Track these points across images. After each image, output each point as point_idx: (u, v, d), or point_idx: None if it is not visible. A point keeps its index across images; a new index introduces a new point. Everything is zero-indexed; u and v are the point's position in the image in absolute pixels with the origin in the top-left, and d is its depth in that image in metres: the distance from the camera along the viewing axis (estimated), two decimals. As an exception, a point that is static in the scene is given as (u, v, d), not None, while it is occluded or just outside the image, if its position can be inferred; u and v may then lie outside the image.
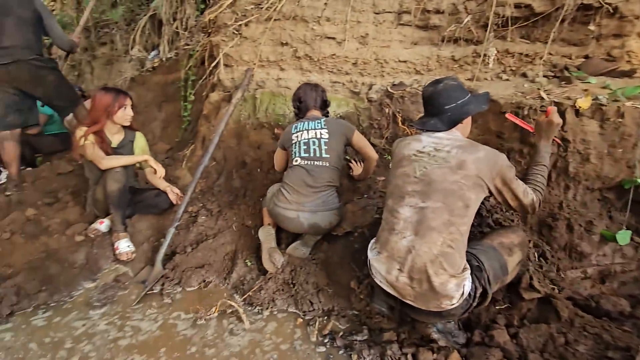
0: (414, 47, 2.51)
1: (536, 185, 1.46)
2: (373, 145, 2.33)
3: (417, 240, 1.31)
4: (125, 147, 2.38)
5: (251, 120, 2.71)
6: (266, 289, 1.82)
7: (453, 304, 1.28)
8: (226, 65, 2.76)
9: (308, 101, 2.10)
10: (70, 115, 4.12)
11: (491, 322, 1.53)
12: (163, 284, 1.96)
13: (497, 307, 1.57)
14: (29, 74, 2.76)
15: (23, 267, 2.04)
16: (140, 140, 2.45)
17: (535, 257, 1.71)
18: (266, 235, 1.97)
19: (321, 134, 1.94)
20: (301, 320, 1.71)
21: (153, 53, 4.52)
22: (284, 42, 2.54)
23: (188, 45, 4.24)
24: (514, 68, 2.37)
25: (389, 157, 2.42)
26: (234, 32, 2.64)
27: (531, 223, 1.89)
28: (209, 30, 3.25)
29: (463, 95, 1.47)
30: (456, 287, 1.27)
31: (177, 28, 4.57)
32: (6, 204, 2.59)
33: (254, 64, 2.67)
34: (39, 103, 3.19)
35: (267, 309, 1.78)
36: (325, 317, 1.71)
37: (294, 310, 1.77)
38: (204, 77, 3.51)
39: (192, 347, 1.58)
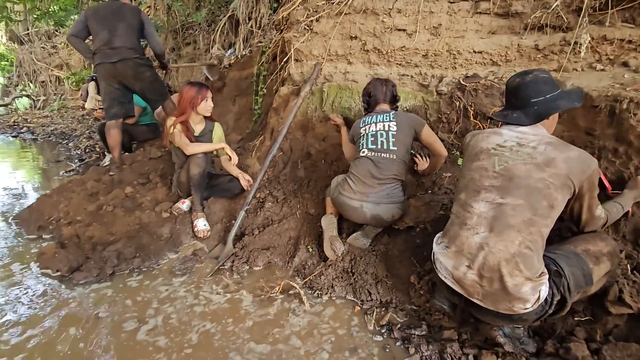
0: (491, 36, 2.35)
1: (610, 210, 1.39)
2: (441, 139, 2.26)
3: (492, 237, 1.26)
4: (206, 136, 2.63)
5: (317, 113, 2.80)
6: (326, 275, 1.89)
7: (526, 308, 1.21)
8: (296, 60, 2.88)
9: (377, 95, 2.11)
10: (160, 108, 4.67)
11: (568, 334, 1.41)
12: (233, 261, 2.15)
13: (576, 319, 1.43)
14: (131, 71, 3.22)
15: (122, 236, 2.39)
16: (218, 130, 2.69)
17: (627, 269, 1.51)
18: (328, 224, 2.04)
19: (389, 126, 1.94)
20: (359, 308, 1.75)
21: (229, 51, 4.87)
22: (353, 35, 2.57)
23: (261, 42, 4.50)
24: (611, 56, 2.09)
25: (457, 153, 2.32)
26: (305, 28, 2.74)
27: (625, 231, 1.67)
28: (282, 27, 3.42)
29: (553, 90, 1.36)
30: (532, 291, 1.19)
31: (251, 27, 4.88)
32: (110, 182, 3.04)
33: (323, 58, 2.74)
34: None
35: (326, 294, 1.85)
36: (383, 309, 1.73)
37: (352, 298, 1.81)
38: (275, 72, 3.71)
39: (256, 321, 1.70)
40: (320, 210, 2.33)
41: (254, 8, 4.85)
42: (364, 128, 2.02)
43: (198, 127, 2.61)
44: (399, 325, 1.62)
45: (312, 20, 2.71)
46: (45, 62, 12.11)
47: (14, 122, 8.58)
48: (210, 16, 5.60)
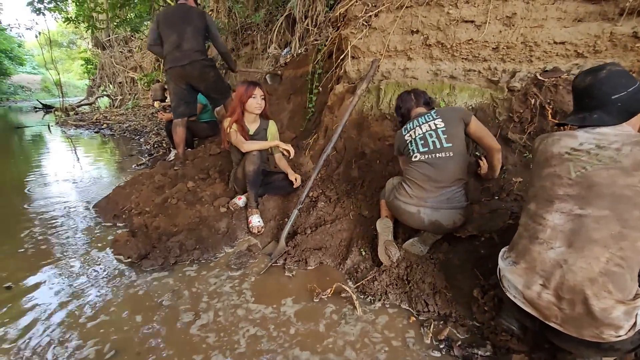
0: (577, 24, 2.07)
1: None
2: (511, 141, 2.06)
3: (571, 254, 1.10)
4: (260, 134, 2.69)
5: (374, 111, 2.71)
6: (379, 281, 1.82)
7: (619, 336, 1.03)
8: (352, 57, 2.82)
9: (408, 104, 2.05)
10: (220, 107, 4.91)
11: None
12: (285, 259, 2.16)
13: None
14: (198, 72, 3.42)
15: (184, 228, 2.54)
16: (272, 128, 2.73)
17: None
18: (383, 228, 1.96)
19: (436, 124, 1.82)
20: (414, 319, 1.65)
21: (285, 50, 4.95)
22: (414, 29, 2.44)
23: (316, 40, 4.50)
24: None
25: (530, 156, 2.09)
26: (363, 24, 2.66)
27: None
28: (338, 24, 3.37)
29: (632, 83, 1.17)
30: (625, 316, 1.02)
31: (307, 25, 4.91)
32: (175, 177, 3.25)
33: (381, 54, 2.65)
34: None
35: (379, 300, 1.77)
36: (442, 322, 1.61)
37: (407, 308, 1.72)
38: (330, 70, 3.68)
39: (307, 326, 1.64)
40: (375, 212, 2.26)
41: (310, 6, 4.87)
42: (408, 134, 1.92)
43: (253, 126, 2.67)
44: (459, 342, 1.50)
45: (370, 16, 2.63)
46: (122, 65, 13.42)
47: (96, 119, 9.65)
48: (268, 16, 5.74)
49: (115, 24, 6.85)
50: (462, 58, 2.32)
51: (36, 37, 13.06)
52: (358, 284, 1.87)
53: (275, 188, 2.72)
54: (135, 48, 13.30)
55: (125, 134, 7.56)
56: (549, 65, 2.09)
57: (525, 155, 2.08)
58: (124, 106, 12.11)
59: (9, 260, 2.26)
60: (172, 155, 4.73)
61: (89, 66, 16.00)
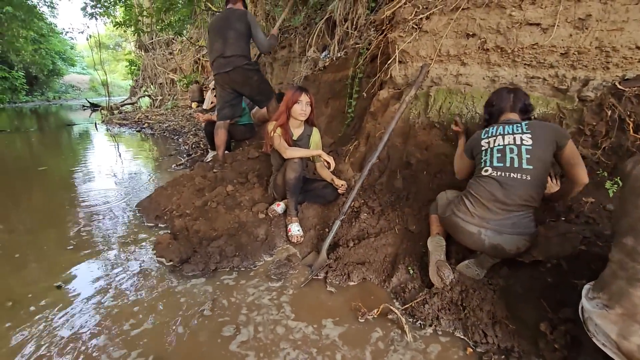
0: (665, 26, 1.83)
1: None
2: (582, 156, 1.85)
3: None
4: (303, 140, 2.63)
5: (421, 119, 2.57)
6: (431, 304, 1.69)
7: None
8: (400, 62, 2.69)
9: (503, 103, 1.80)
10: (256, 108, 4.94)
11: None
12: (327, 273, 2.08)
13: None
14: (241, 77, 3.45)
15: (223, 233, 2.52)
16: (315, 135, 2.66)
17: None
18: (435, 246, 1.83)
19: (522, 139, 1.62)
20: (471, 350, 1.51)
21: (324, 53, 4.89)
22: (470, 33, 2.28)
23: (357, 44, 4.40)
24: None
25: (604, 174, 1.88)
26: (413, 27, 2.53)
27: None
28: (383, 27, 3.25)
29: None
30: None
31: (347, 28, 4.82)
32: (214, 179, 3.27)
33: (431, 59, 2.50)
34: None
35: (430, 325, 1.64)
36: (503, 356, 1.46)
37: (462, 337, 1.58)
38: (373, 75, 3.57)
39: (352, 352, 1.52)
40: (423, 227, 2.12)
41: (351, 9, 4.78)
42: (487, 141, 1.73)
43: (297, 132, 2.61)
44: (525, 383, 1.34)
45: (421, 19, 2.49)
46: (163, 67, 13.99)
47: (138, 118, 10.10)
48: (306, 19, 5.72)
49: (159, 27, 7.10)
50: (525, 64, 2.13)
51: (87, 39, 13.89)
52: (406, 305, 1.74)
53: (316, 196, 2.65)
54: (176, 50, 13.83)
55: (164, 134, 7.83)
56: (630, 73, 1.86)
57: (598, 172, 1.87)
58: (163, 106, 12.60)
59: (59, 258, 2.34)
60: (209, 157, 4.80)
61: (132, 67, 16.86)
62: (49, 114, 14.95)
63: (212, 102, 9.18)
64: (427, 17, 2.48)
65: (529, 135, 1.61)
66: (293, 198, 2.49)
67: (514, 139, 1.63)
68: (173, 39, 14.62)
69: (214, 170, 3.47)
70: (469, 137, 2.01)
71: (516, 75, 2.16)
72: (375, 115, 2.98)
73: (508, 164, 1.60)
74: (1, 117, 12.94)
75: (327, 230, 2.45)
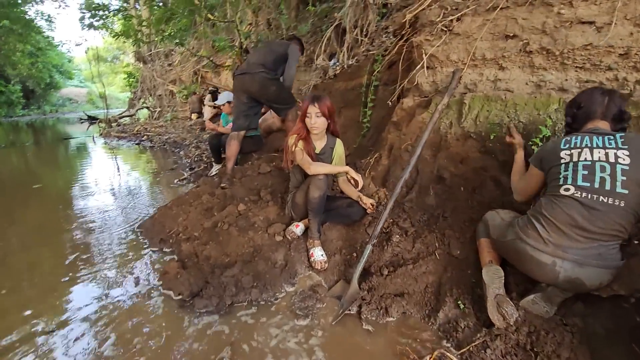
0: None
1: None
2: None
3: None
4: (326, 153, 2.39)
5: (454, 129, 2.34)
6: (493, 349, 1.42)
7: None
8: (427, 67, 2.47)
9: (593, 107, 1.51)
10: (262, 119, 4.73)
11: None
12: (360, 307, 1.82)
13: None
14: (258, 84, 3.31)
15: (237, 259, 2.26)
16: (339, 148, 2.42)
17: None
18: (492, 277, 1.57)
19: (617, 156, 1.34)
20: (553, 409, 1.24)
21: (333, 61, 4.69)
22: (510, 34, 2.06)
23: (369, 50, 4.21)
24: None
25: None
26: (442, 29, 2.32)
27: None
28: (402, 32, 3.05)
29: None
30: None
31: (357, 35, 4.64)
32: (223, 197, 3.01)
33: (463, 63, 2.29)
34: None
35: (495, 375, 1.38)
36: (594, 418, 1.20)
37: (537, 390, 1.31)
38: (391, 82, 3.35)
39: None
40: (469, 252, 1.87)
41: (361, 15, 4.61)
42: (568, 152, 1.46)
43: (319, 144, 2.37)
44: None
45: (451, 20, 2.28)
46: (162, 78, 13.84)
47: (137, 130, 9.86)
48: (312, 27, 5.54)
49: (160, 38, 6.93)
50: (576, 67, 1.91)
51: (85, 52, 13.77)
52: (463, 350, 1.48)
53: (339, 216, 2.40)
54: (175, 62, 13.71)
55: (164, 146, 7.59)
56: (703, 75, 1.65)
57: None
58: (162, 118, 12.40)
59: (53, 292, 2.07)
60: (214, 171, 4.56)
61: (130, 79, 16.72)
62: (45, 128, 14.72)
63: (211, 113, 9.00)
64: (458, 19, 2.27)
65: (626, 152, 1.33)
66: (316, 219, 2.24)
67: (607, 154, 1.37)
68: (172, 50, 14.53)
69: (222, 185, 3.22)
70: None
71: (566, 79, 1.94)
72: (398, 125, 2.75)
73: (597, 185, 1.34)
74: (-4, 132, 12.69)
75: (354, 255, 2.19)
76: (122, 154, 7.24)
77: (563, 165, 1.45)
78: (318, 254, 2.20)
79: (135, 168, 5.67)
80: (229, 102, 4.30)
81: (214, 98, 9.27)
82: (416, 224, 2.22)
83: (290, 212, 2.52)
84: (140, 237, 2.80)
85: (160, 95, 13.96)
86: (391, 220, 2.33)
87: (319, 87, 4.56)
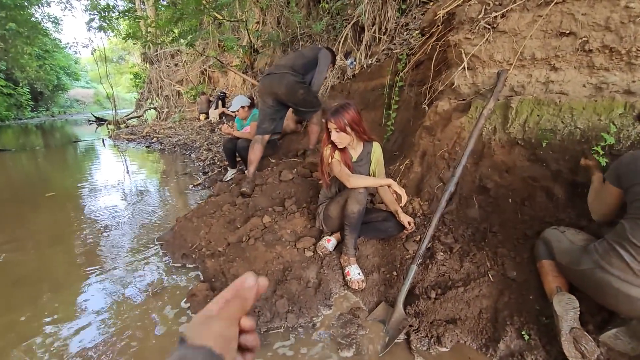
0: None
1: None
2: None
3: None
4: (364, 160, 2.22)
5: (498, 135, 2.16)
6: (572, 391, 1.26)
7: None
8: (466, 68, 2.29)
9: None
10: (287, 123, 4.58)
11: None
12: (408, 335, 1.66)
13: None
14: (285, 86, 3.17)
15: (268, 278, 2.11)
16: (377, 150, 2.25)
17: None
18: (566, 308, 1.40)
19: None
20: None
21: (349, 60, 4.51)
22: (566, 31, 1.87)
23: (390, 49, 4.02)
24: None
25: None
26: (485, 27, 2.13)
27: None
28: (432, 30, 2.86)
29: None
30: None
31: (374, 33, 4.45)
32: (245, 208, 2.87)
33: (509, 64, 2.10)
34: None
35: (576, 422, 1.22)
36: None
37: None
38: (418, 83, 3.17)
39: None
40: (529, 275, 1.70)
41: (379, 12, 4.42)
42: None
43: (355, 152, 2.21)
44: None
45: (495, 17, 2.09)
46: (169, 79, 13.76)
47: (147, 132, 9.76)
48: (325, 26, 5.36)
49: (169, 39, 6.80)
50: (646, 67, 1.72)
51: (92, 53, 13.74)
52: (536, 390, 1.32)
53: (375, 230, 2.23)
54: (182, 62, 13.62)
55: (175, 149, 7.47)
56: None
57: None
58: (170, 119, 12.31)
59: (70, 313, 1.94)
60: (228, 175, 4.43)
61: (137, 80, 16.66)
62: (54, 130, 14.72)
63: (220, 114, 8.87)
64: (503, 15, 2.08)
65: None
66: (353, 235, 2.08)
67: None
68: (178, 51, 14.44)
69: (242, 191, 3.08)
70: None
71: (633, 81, 1.75)
72: (432, 130, 2.57)
73: None
74: (7, 135, 12.71)
75: (394, 273, 2.03)
76: (133, 157, 7.15)
77: None
78: (355, 272, 2.05)
79: (148, 172, 5.56)
80: (242, 107, 4.14)
81: (223, 103, 9.13)
82: (460, 239, 2.06)
83: (322, 224, 2.36)
84: (161, 252, 2.67)
85: (167, 95, 13.88)
86: (432, 234, 2.17)
87: (337, 88, 4.39)
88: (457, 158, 2.33)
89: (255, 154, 3.30)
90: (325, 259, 2.21)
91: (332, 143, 2.12)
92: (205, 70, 12.50)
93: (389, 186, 1.98)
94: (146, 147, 8.23)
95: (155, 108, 14.24)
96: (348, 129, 2.01)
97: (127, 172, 5.70)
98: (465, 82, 2.32)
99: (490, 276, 1.76)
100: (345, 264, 2.11)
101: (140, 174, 5.45)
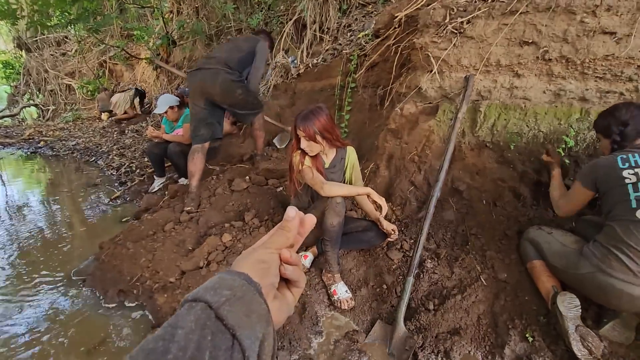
0: None
1: None
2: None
3: None
4: (337, 166, 2.04)
5: (467, 138, 2.22)
6: (587, 389, 1.29)
7: None
8: (432, 72, 2.30)
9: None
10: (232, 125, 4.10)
11: None
12: (415, 353, 1.55)
13: None
14: (220, 85, 2.73)
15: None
16: (352, 155, 2.09)
17: None
18: (569, 307, 1.44)
19: None
20: None
21: (291, 58, 4.29)
22: (528, 40, 1.99)
23: (336, 49, 3.93)
24: None
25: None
26: (452, 32, 2.16)
27: None
28: (388, 32, 2.84)
29: None
30: None
31: (314, 31, 4.31)
32: (195, 225, 2.43)
33: (475, 69, 2.16)
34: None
35: (596, 420, 1.25)
36: None
37: None
38: (373, 84, 3.13)
39: None
40: (520, 276, 1.74)
41: (320, 10, 4.29)
42: (631, 172, 1.40)
43: (327, 158, 2.01)
44: None
45: (462, 22, 2.13)
46: (56, 70, 11.55)
47: (29, 135, 7.94)
48: (261, 19, 5.01)
49: (64, 20, 5.61)
50: (596, 77, 1.92)
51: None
52: (556, 394, 1.32)
53: (356, 241, 2.07)
54: (72, 51, 11.58)
55: (74, 155, 6.21)
56: None
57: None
58: (60, 118, 10.32)
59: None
60: (156, 185, 3.80)
61: (8, 70, 13.53)
62: None
63: (129, 108, 7.73)
64: (469, 21, 2.13)
65: None
66: (335, 249, 1.89)
67: None
68: (65, 38, 12.24)
69: (187, 210, 2.61)
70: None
71: (587, 89, 1.94)
72: (397, 133, 2.53)
73: None
74: None
75: (383, 286, 1.90)
76: (13, 167, 5.70)
77: (631, 186, 1.38)
78: (342, 290, 1.86)
79: (40, 187, 4.45)
80: (171, 108, 3.58)
81: (142, 100, 7.98)
82: (442, 244, 2.04)
83: (295, 240, 2.11)
84: (84, 290, 2.08)
85: (52, 90, 11.60)
86: (412, 241, 2.11)
87: (280, 88, 4.12)
88: (427, 161, 2.33)
89: (196, 165, 2.79)
90: (306, 279, 1.97)
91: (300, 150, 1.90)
92: (105, 62, 10.83)
93: (367, 195, 1.83)
94: (31, 152, 6.67)
95: (36, 105, 11.75)
96: (318, 137, 1.80)
97: (3, 184, 4.48)
98: (432, 85, 2.33)
99: (482, 280, 1.76)
100: (330, 282, 1.90)
101: (29, 189, 4.32)
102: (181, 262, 2.09)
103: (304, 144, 1.83)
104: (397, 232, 1.98)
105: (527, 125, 2.05)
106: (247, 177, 2.92)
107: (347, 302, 1.84)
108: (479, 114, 2.16)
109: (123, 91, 8.23)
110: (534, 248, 1.67)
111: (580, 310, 1.44)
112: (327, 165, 1.99)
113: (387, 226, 1.98)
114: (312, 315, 1.80)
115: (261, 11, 4.74)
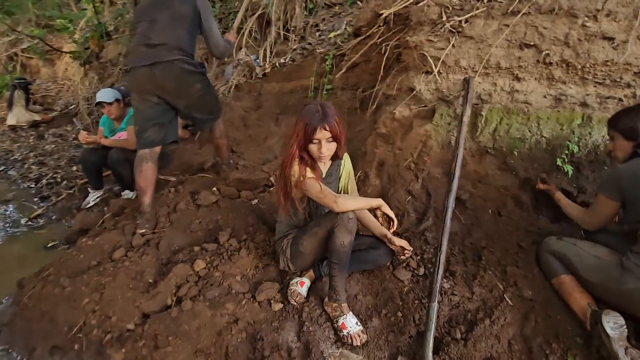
0: None
1: None
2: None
3: None
4: (333, 175, 1.76)
5: (468, 144, 2.08)
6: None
7: None
8: (428, 73, 2.14)
9: None
10: (185, 131, 3.55)
11: None
12: (453, 396, 1.31)
13: None
14: (175, 80, 2.20)
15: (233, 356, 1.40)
16: (347, 164, 1.83)
17: None
18: (615, 327, 1.31)
19: None
20: None
21: (254, 56, 3.91)
22: (529, 43, 1.92)
23: (305, 48, 3.66)
24: None
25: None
26: (451, 30, 2.02)
27: None
28: (370, 31, 2.65)
29: None
30: None
31: (279, 29, 4.01)
32: (153, 250, 1.95)
33: (474, 71, 2.05)
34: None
35: None
36: None
37: None
38: (352, 87, 2.92)
39: None
40: (547, 292, 1.59)
41: (284, 8, 4.01)
42: None
43: (324, 166, 1.72)
44: None
45: (460, 21, 2.01)
46: (-52, 61, 9.63)
47: None
48: (217, 11, 4.53)
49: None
50: (596, 82, 1.90)
51: None
52: None
53: (360, 262, 1.79)
54: (-28, 39, 9.76)
55: (-26, 164, 5.04)
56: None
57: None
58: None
59: None
60: (91, 200, 3.15)
61: None
62: None
63: (35, 112, 6.59)
64: (467, 20, 2.01)
65: None
66: (343, 274, 1.59)
67: None
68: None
69: (140, 231, 2.11)
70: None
71: (587, 94, 1.92)
72: (389, 138, 2.33)
73: None
74: None
75: (398, 314, 1.64)
76: None
77: None
78: (351, 322, 1.56)
79: None
80: (117, 101, 2.98)
81: (27, 94, 6.76)
82: (452, 260, 1.84)
83: (287, 264, 1.76)
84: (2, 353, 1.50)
85: (-58, 86, 9.60)
86: (418, 257, 1.89)
87: (243, 88, 3.72)
88: (425, 169, 2.15)
89: (146, 177, 2.23)
90: (304, 310, 1.64)
91: (302, 157, 1.59)
92: (17, 54, 9.30)
93: (378, 208, 1.57)
94: None
95: None
96: (340, 138, 1.54)
97: None
98: (428, 87, 2.17)
99: (508, 299, 1.59)
100: (336, 313, 1.59)
101: None
102: (141, 301, 1.61)
103: (324, 147, 1.52)
104: (410, 250, 1.75)
105: (529, 131, 1.98)
106: (215, 189, 2.48)
107: (359, 336, 1.53)
108: (479, 118, 2.05)
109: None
110: (560, 262, 1.56)
111: (627, 330, 1.32)
112: (323, 175, 1.70)
113: (398, 242, 1.74)
114: (317, 356, 1.47)
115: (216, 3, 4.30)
